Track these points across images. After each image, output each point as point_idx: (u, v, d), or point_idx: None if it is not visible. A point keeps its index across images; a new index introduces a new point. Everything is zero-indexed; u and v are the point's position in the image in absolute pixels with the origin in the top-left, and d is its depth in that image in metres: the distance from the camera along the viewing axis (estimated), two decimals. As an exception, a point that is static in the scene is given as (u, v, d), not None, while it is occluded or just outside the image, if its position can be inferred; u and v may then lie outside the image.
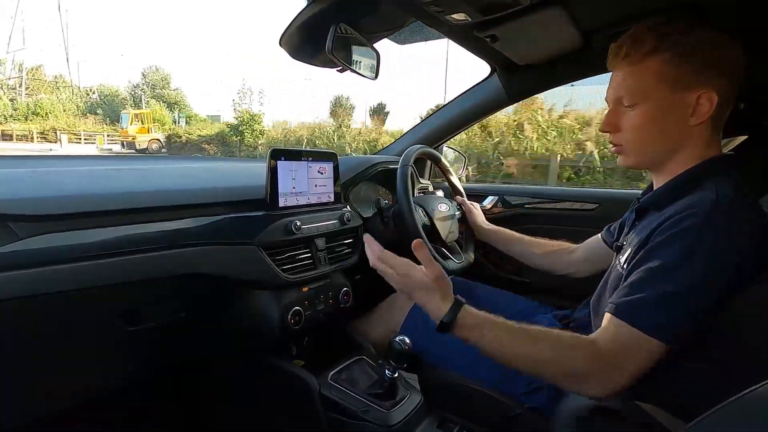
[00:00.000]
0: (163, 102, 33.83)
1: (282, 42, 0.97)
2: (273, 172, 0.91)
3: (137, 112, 22.30)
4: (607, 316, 0.65)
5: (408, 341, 0.85)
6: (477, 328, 0.69)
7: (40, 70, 38.28)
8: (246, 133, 16.57)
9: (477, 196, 1.56)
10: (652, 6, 0.79)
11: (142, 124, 21.07)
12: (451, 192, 1.37)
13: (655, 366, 0.61)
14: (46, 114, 31.19)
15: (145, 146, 19.93)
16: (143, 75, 37.80)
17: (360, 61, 1.02)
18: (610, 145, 0.77)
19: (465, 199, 1.33)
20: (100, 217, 0.70)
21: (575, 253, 1.09)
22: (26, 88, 36.06)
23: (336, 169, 1.06)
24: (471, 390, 0.91)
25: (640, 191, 0.87)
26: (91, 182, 0.83)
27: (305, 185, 0.99)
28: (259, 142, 16.45)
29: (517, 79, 1.25)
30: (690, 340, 0.59)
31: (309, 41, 0.96)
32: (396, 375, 0.89)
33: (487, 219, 1.30)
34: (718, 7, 0.75)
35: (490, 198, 1.58)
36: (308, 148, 1.06)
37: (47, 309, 0.66)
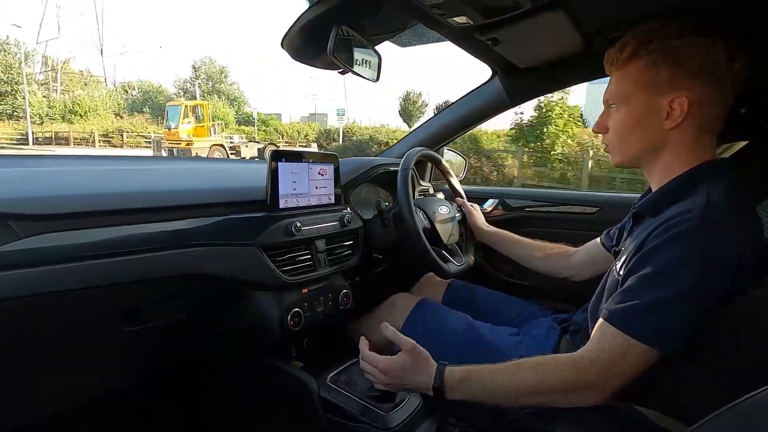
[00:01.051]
0: (223, 98, 30.59)
1: (284, 44, 0.97)
2: (273, 174, 0.91)
3: (192, 103, 15.90)
4: (599, 321, 0.66)
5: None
6: (464, 382, 0.70)
7: (68, 63, 35.18)
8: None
9: (477, 199, 1.56)
10: (652, 9, 0.79)
11: (198, 122, 14.95)
12: (452, 194, 1.37)
13: (649, 371, 0.61)
14: (86, 113, 28.76)
15: (206, 154, 13.80)
16: (194, 68, 33.67)
17: (361, 63, 1.02)
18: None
19: (465, 200, 1.34)
20: (101, 217, 0.70)
21: (575, 256, 1.10)
22: (61, 84, 33.10)
23: (337, 170, 1.06)
24: None
25: (638, 195, 0.87)
26: (91, 182, 0.83)
27: (306, 187, 0.99)
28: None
29: (518, 82, 1.25)
30: (684, 345, 0.60)
31: (311, 43, 0.96)
32: None
33: (487, 222, 1.30)
34: (718, 12, 0.75)
35: (490, 201, 1.58)
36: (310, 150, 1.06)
37: (47, 308, 0.66)
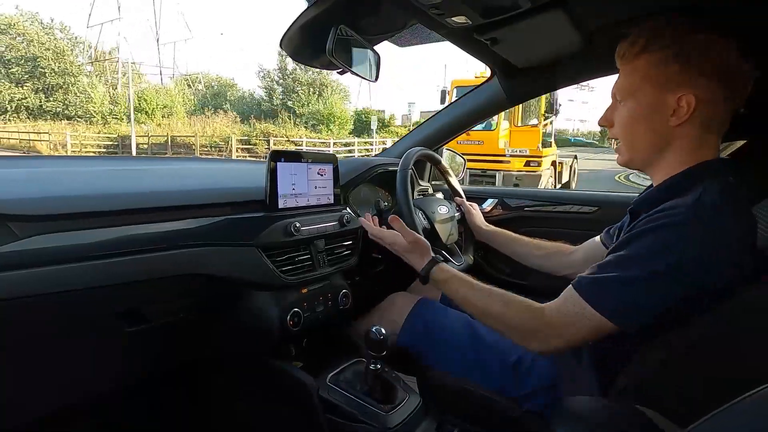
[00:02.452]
0: (331, 93, 26.14)
1: (283, 43, 0.97)
2: (273, 174, 0.91)
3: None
4: (569, 286, 0.70)
5: (383, 331, 0.86)
6: (447, 282, 0.85)
7: (113, 54, 30.18)
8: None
9: (476, 199, 1.56)
10: (651, 8, 0.79)
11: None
12: (451, 193, 1.37)
13: (649, 369, 0.62)
14: (153, 110, 24.94)
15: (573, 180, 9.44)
16: (281, 55, 26.30)
17: (360, 63, 1.02)
18: None
19: (464, 200, 1.34)
20: (100, 218, 0.69)
21: (574, 254, 1.10)
22: (123, 75, 27.16)
23: (336, 170, 1.06)
24: (470, 392, 0.90)
25: (637, 194, 0.87)
26: (90, 182, 0.83)
27: (305, 187, 0.99)
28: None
29: (518, 81, 1.25)
30: (638, 327, 0.64)
31: (310, 43, 0.96)
32: (379, 366, 0.89)
33: (486, 221, 1.31)
34: (717, 10, 0.75)
35: (489, 201, 1.58)
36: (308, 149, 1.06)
37: (47, 309, 0.66)
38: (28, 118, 25.85)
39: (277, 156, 0.92)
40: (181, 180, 1.02)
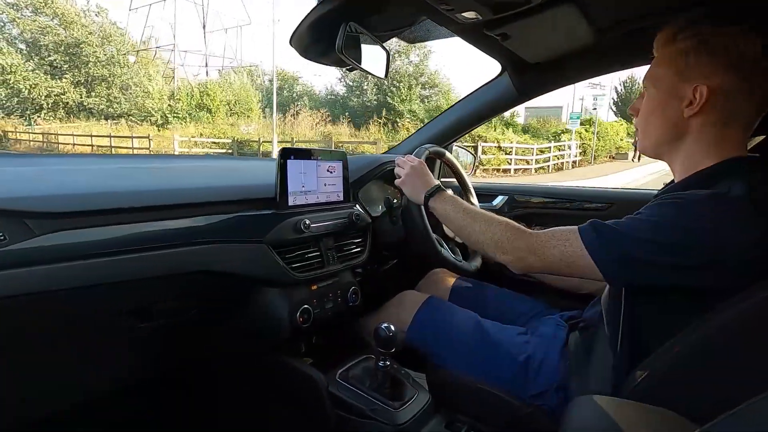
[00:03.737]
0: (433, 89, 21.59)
1: (292, 41, 0.97)
2: (282, 171, 0.92)
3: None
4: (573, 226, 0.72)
5: (393, 328, 0.86)
6: (443, 205, 0.92)
7: (149, 43, 26.08)
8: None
9: (487, 195, 1.55)
10: (665, 2, 0.78)
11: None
12: (461, 191, 1.36)
13: (662, 368, 0.61)
14: (217, 107, 20.85)
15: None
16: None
17: (369, 60, 1.02)
18: None
19: (476, 203, 1.32)
20: (114, 215, 0.71)
21: None
22: (168, 66, 23.74)
23: (345, 168, 1.06)
24: (479, 390, 0.90)
25: (655, 190, 0.86)
26: (104, 180, 0.84)
27: (314, 184, 0.99)
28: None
29: (528, 77, 1.24)
30: (620, 284, 0.69)
31: (319, 40, 0.96)
32: (388, 363, 0.89)
33: None
34: (732, 6, 0.73)
35: (500, 197, 1.57)
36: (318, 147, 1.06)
37: (60, 305, 0.67)
38: (67, 116, 22.21)
39: (286, 153, 0.93)
40: (192, 178, 1.03)
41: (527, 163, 14.87)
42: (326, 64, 1.09)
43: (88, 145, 17.11)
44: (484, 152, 13.56)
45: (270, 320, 0.94)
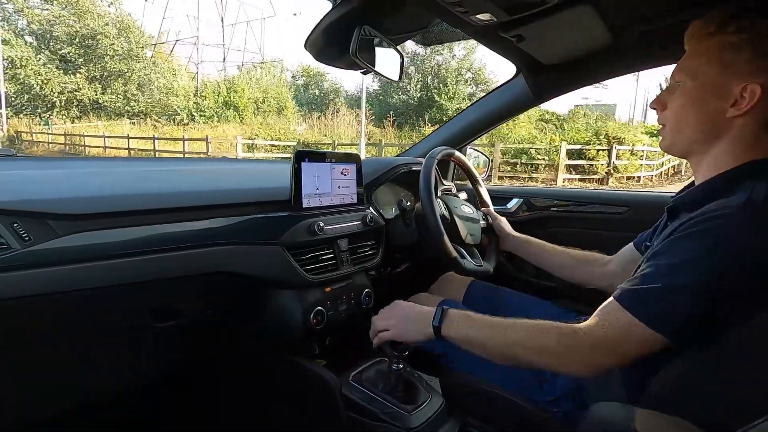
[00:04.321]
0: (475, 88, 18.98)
1: (307, 45, 0.98)
2: (297, 174, 0.93)
3: None
4: (609, 299, 0.65)
5: None
6: (458, 329, 0.76)
7: (167, 35, 23.60)
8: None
9: (501, 198, 1.54)
10: (684, 1, 0.76)
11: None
12: (475, 195, 1.35)
13: (677, 375, 0.60)
14: (245, 106, 18.83)
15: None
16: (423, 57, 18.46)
17: (383, 63, 1.02)
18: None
19: (491, 208, 1.29)
20: (134, 216, 0.72)
21: (609, 265, 1.04)
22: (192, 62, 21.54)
23: (359, 170, 1.07)
24: (493, 395, 0.89)
25: (673, 193, 0.84)
26: (125, 183, 0.86)
27: (328, 186, 1.00)
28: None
29: (543, 79, 1.23)
30: (688, 336, 0.59)
31: (334, 43, 0.97)
32: (401, 366, 0.89)
33: (512, 222, 1.28)
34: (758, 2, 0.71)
35: (514, 200, 1.55)
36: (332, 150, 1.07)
37: (80, 305, 0.69)
38: (81, 115, 19.89)
39: (301, 156, 0.94)
40: (209, 180, 1.04)
41: (651, 168, 11.97)
42: (340, 68, 1.10)
43: (123, 148, 15.39)
44: (618, 157, 11.09)
45: (284, 322, 0.95)
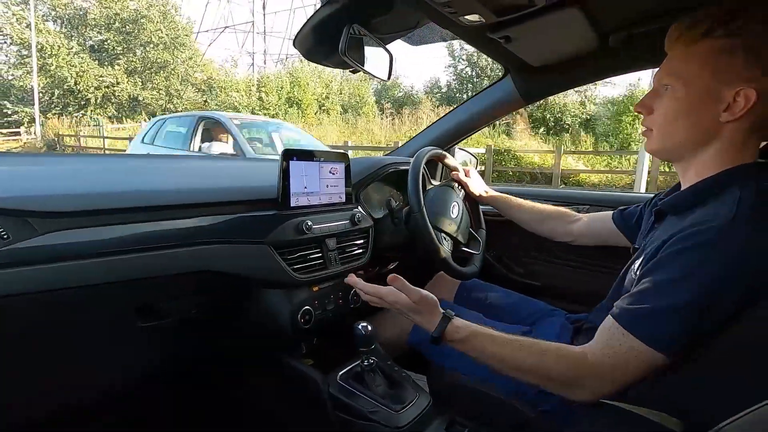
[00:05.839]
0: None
1: (296, 43, 0.98)
2: (285, 172, 0.92)
3: None
4: (608, 320, 0.65)
5: (369, 327, 0.86)
6: (467, 341, 0.73)
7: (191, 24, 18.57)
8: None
9: None
10: (673, 4, 0.77)
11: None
12: (448, 172, 1.34)
13: (650, 376, 0.60)
14: (309, 102, 15.77)
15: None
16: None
17: (372, 62, 1.02)
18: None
19: (459, 171, 1.28)
20: (116, 214, 0.71)
21: (577, 223, 1.11)
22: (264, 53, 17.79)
23: (347, 169, 1.07)
24: (481, 393, 0.90)
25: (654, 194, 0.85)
26: (108, 180, 0.85)
27: (317, 185, 0.99)
28: None
29: (531, 80, 1.24)
30: (687, 351, 0.59)
31: (323, 42, 0.96)
32: (373, 360, 0.89)
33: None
34: (744, 6, 0.73)
35: None
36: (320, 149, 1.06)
37: (63, 304, 0.68)
38: (119, 115, 16.19)
39: (289, 155, 0.93)
40: (195, 178, 1.03)
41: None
42: (330, 66, 1.10)
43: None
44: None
45: (271, 321, 0.94)
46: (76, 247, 0.65)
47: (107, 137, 13.78)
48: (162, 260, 0.75)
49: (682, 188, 0.72)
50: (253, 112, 15.26)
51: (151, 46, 16.36)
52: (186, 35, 17.65)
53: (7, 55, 15.16)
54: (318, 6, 0.87)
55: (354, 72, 1.03)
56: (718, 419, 0.33)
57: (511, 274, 1.49)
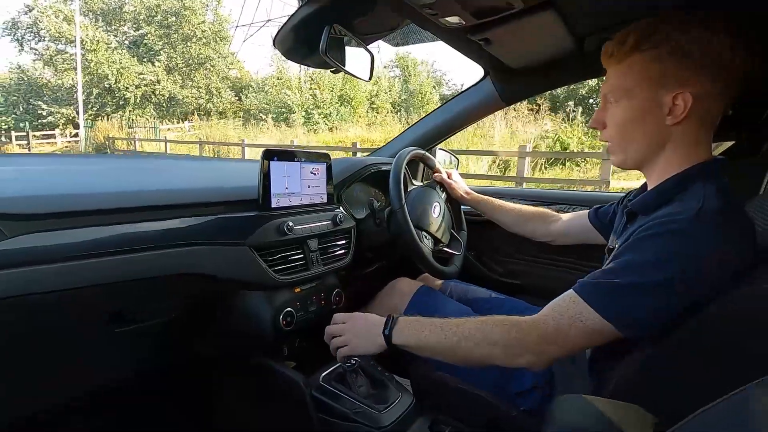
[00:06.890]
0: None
1: (276, 42, 0.97)
2: (266, 173, 0.91)
3: None
4: (568, 291, 0.67)
5: None
6: (409, 334, 0.75)
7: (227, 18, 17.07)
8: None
9: None
10: (644, 9, 0.80)
11: None
12: (430, 173, 1.35)
13: (650, 370, 0.62)
14: (360, 100, 14.47)
15: None
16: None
17: (354, 62, 1.02)
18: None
19: (442, 173, 1.30)
20: (89, 216, 0.69)
21: (556, 223, 1.14)
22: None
23: (329, 169, 1.06)
24: (463, 391, 0.91)
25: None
26: (79, 181, 0.82)
27: (298, 186, 0.98)
28: None
29: (511, 82, 1.26)
30: (643, 335, 0.62)
31: (303, 42, 0.96)
32: (354, 362, 0.89)
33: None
34: (710, 9, 0.75)
35: None
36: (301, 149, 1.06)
37: (34, 309, 0.65)
38: (158, 115, 14.99)
39: (270, 155, 0.92)
40: (173, 179, 1.01)
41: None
42: (310, 66, 1.09)
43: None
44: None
45: (252, 324, 0.93)
46: (47, 251, 0.63)
47: (170, 141, 12.65)
48: (138, 264, 0.73)
49: (648, 189, 0.75)
50: (307, 112, 13.96)
51: (194, 40, 15.03)
52: (227, 29, 16.27)
53: (38, 53, 13.25)
54: (298, 5, 0.86)
55: (335, 72, 1.03)
56: (689, 411, 0.34)
57: (492, 273, 1.51)
